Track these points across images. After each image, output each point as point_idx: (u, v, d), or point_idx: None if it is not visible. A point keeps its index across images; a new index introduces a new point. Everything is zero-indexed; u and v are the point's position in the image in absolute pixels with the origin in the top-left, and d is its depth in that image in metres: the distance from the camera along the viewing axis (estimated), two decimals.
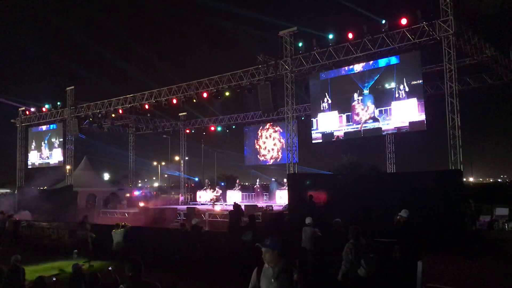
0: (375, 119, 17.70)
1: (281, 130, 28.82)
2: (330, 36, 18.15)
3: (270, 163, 31.08)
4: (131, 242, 13.18)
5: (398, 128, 17.42)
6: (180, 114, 32.80)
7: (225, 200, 27.40)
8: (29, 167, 33.44)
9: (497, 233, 14.88)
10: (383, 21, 16.79)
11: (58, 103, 29.85)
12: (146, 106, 24.99)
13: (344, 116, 18.79)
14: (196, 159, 42.65)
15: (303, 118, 26.93)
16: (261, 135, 31.02)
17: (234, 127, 31.50)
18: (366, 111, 18.02)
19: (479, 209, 15.93)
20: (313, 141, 20.03)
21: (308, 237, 10.51)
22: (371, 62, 17.93)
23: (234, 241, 12.40)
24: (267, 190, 29.98)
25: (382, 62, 17.67)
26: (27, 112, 31.98)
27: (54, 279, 7.35)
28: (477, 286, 8.95)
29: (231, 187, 30.08)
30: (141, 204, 25.85)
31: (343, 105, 18.83)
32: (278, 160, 30.06)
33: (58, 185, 32.77)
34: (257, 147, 31.16)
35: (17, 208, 24.86)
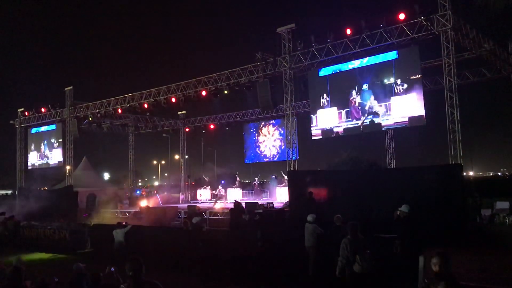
0: (374, 115, 17.68)
1: (281, 127, 28.79)
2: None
3: (269, 160, 31.09)
4: (132, 242, 13.20)
5: (398, 123, 17.41)
6: (179, 112, 32.77)
7: (226, 198, 27.41)
8: (29, 168, 33.43)
9: (498, 227, 14.86)
10: (381, 16, 16.75)
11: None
12: (145, 105, 24.96)
13: (343, 112, 18.74)
14: (196, 157, 42.56)
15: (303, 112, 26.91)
16: (261, 133, 31.00)
17: (233, 124, 31.50)
18: (365, 107, 18.01)
19: (480, 202, 15.92)
20: (313, 138, 20.02)
21: (310, 234, 10.52)
22: (369, 57, 17.90)
23: (235, 238, 12.40)
24: (266, 187, 29.94)
25: (381, 58, 17.63)
26: (26, 113, 31.91)
27: (56, 279, 7.33)
28: (479, 280, 8.95)
29: (232, 184, 30.08)
30: (144, 203, 25.82)
31: (343, 101, 18.80)
32: (278, 157, 30.04)
33: (58, 185, 32.77)
34: (257, 144, 31.14)
35: (18, 208, 24.82)
